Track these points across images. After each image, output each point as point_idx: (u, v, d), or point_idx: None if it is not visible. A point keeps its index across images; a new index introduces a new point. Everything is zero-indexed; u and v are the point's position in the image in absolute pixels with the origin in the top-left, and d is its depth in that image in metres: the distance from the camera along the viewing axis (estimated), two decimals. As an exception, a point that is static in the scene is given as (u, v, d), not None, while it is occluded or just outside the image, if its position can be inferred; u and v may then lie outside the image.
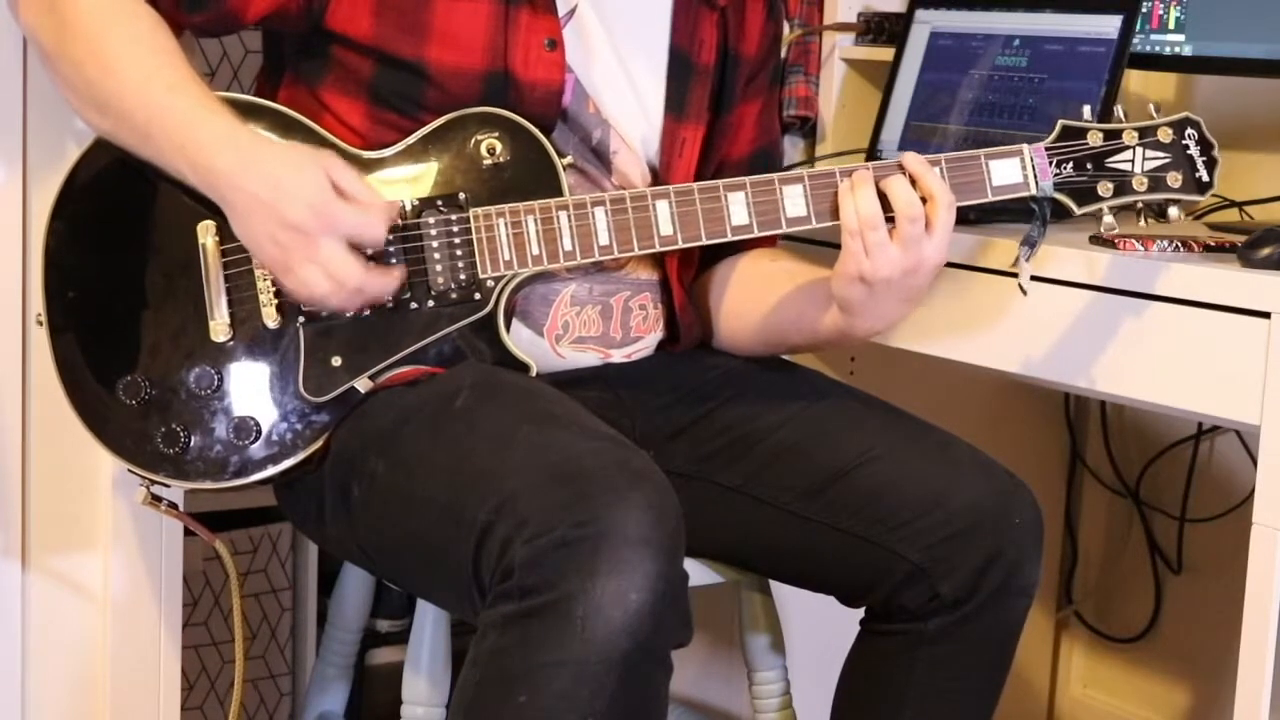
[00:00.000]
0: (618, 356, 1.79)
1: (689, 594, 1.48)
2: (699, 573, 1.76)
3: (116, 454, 1.64)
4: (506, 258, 1.64)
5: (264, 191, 1.55)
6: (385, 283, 1.60)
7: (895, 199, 1.60)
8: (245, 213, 1.56)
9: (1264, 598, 1.61)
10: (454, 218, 1.65)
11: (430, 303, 1.64)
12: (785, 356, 1.88)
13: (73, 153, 1.67)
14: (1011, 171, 1.66)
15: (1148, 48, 2.06)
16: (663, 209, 1.65)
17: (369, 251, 1.59)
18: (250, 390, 1.63)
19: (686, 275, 1.85)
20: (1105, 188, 1.67)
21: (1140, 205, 1.69)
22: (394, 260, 1.63)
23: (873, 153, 2.17)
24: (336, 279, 1.56)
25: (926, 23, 2.18)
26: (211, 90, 1.61)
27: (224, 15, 1.67)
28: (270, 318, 1.63)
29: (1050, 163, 1.66)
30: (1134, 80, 2.28)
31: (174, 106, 1.58)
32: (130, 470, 1.65)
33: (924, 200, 1.61)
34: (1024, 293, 1.68)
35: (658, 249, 1.67)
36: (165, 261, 1.64)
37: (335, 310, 1.60)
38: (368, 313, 1.62)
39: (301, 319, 1.63)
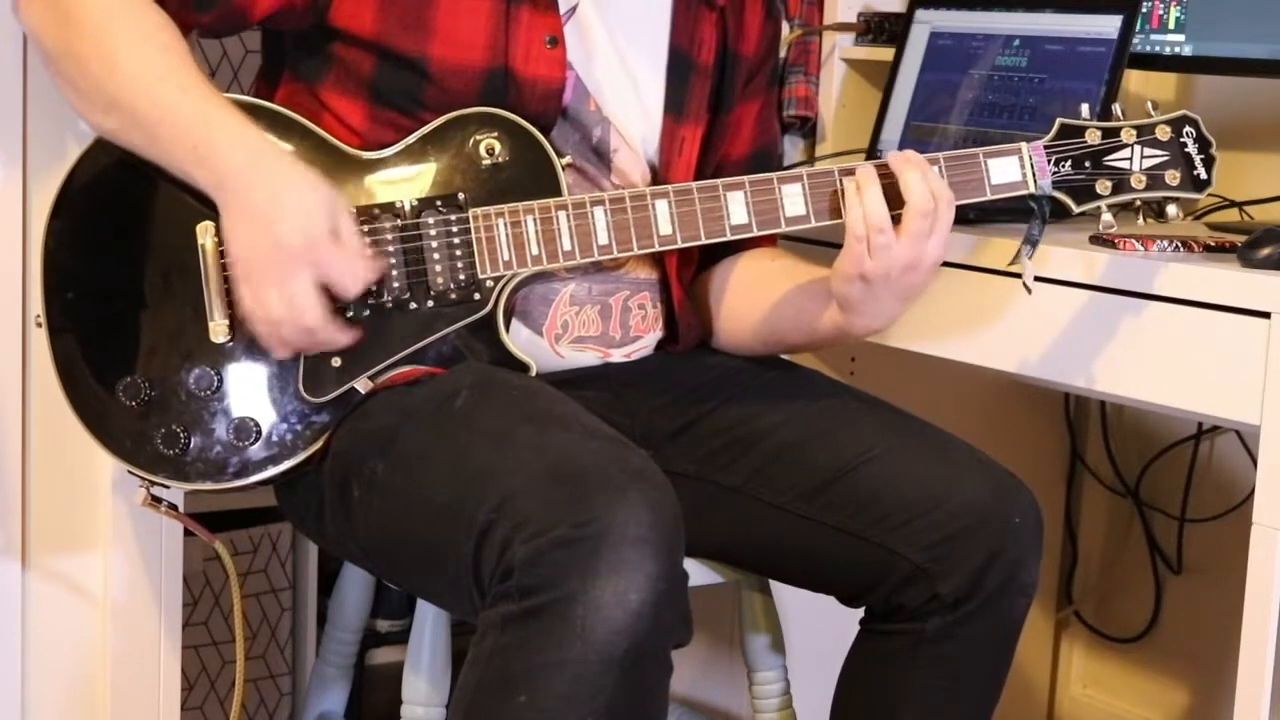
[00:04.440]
0: (617, 356, 1.79)
1: (689, 594, 1.48)
2: (699, 573, 1.76)
3: (116, 455, 1.64)
4: (506, 258, 1.64)
5: (266, 202, 1.54)
6: (337, 337, 1.59)
7: (910, 192, 1.60)
8: (241, 215, 1.56)
9: (1264, 598, 1.61)
10: (453, 218, 1.65)
11: (429, 303, 1.64)
12: (785, 356, 1.88)
13: (73, 153, 1.67)
14: (1010, 170, 1.66)
15: (1148, 48, 2.06)
16: (662, 208, 1.65)
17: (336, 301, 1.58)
18: (250, 391, 1.63)
19: (686, 274, 1.85)
20: (1104, 186, 1.67)
21: (1139, 203, 1.69)
22: (392, 260, 1.63)
23: (873, 153, 2.17)
24: (294, 311, 1.55)
25: (926, 23, 2.17)
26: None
27: (231, 14, 1.67)
28: (270, 318, 1.63)
29: (1049, 161, 1.66)
30: (1134, 80, 2.28)
31: (187, 107, 1.57)
32: (130, 471, 1.65)
33: (923, 198, 1.61)
34: (1029, 291, 1.68)
35: (657, 248, 1.67)
36: (164, 262, 1.64)
37: (272, 344, 1.58)
38: (367, 313, 1.62)
39: (301, 319, 1.63)
